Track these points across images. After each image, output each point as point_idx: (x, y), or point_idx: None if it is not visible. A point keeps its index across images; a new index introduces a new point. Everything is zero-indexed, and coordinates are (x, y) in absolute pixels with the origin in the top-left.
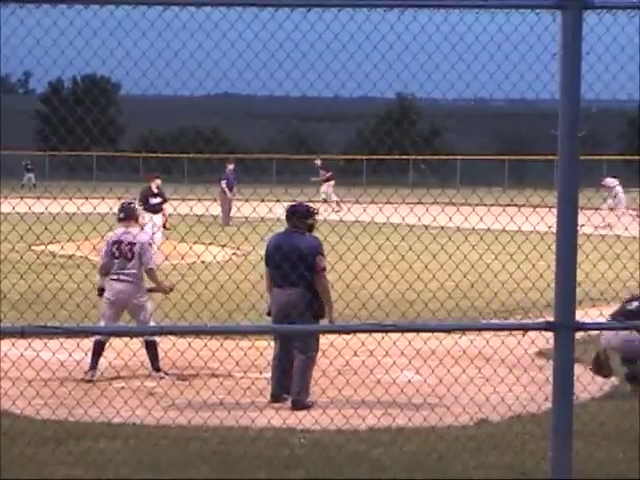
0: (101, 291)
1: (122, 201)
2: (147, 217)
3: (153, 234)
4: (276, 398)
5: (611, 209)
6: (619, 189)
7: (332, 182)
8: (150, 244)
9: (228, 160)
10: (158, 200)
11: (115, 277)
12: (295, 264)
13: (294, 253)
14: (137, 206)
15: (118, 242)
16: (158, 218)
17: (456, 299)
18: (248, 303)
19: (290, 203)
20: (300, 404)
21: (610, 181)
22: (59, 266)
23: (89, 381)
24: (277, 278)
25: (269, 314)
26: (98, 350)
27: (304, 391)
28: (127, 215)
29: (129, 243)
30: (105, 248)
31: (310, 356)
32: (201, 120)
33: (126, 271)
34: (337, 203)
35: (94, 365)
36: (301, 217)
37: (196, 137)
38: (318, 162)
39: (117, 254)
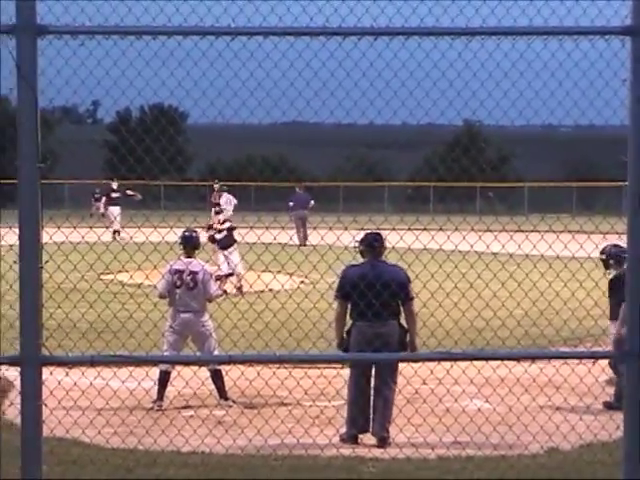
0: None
1: (184, 230)
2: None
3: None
4: (355, 439)
5: None
6: None
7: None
8: (211, 274)
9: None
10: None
11: (181, 308)
12: (390, 296)
13: (389, 285)
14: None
15: (180, 271)
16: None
17: (525, 327)
18: (316, 331)
19: (364, 232)
20: (387, 441)
21: None
22: (128, 295)
23: (158, 410)
24: (364, 312)
25: (346, 349)
26: (164, 380)
27: (389, 427)
28: (190, 244)
29: (191, 272)
30: (166, 276)
31: (394, 390)
32: (268, 148)
33: (190, 301)
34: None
35: (161, 396)
36: (383, 245)
37: (263, 165)
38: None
39: (178, 283)
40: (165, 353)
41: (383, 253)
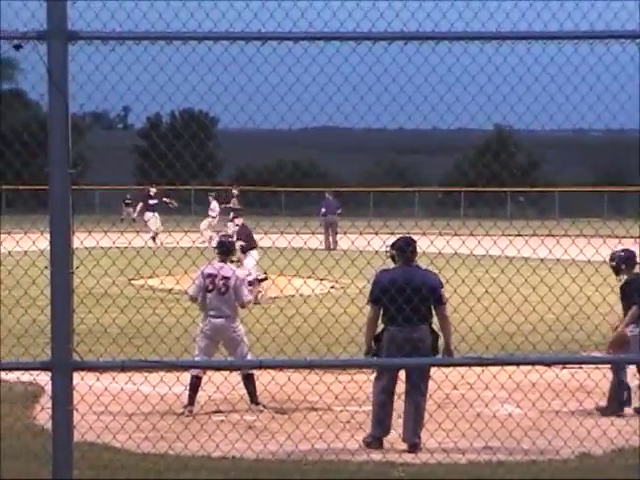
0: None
1: (221, 235)
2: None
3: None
4: (380, 443)
5: None
6: None
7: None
8: (243, 279)
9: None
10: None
11: (212, 312)
12: (422, 301)
13: (421, 289)
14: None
15: (212, 275)
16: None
17: (557, 332)
18: (347, 336)
19: (396, 237)
20: (419, 447)
21: None
22: (159, 300)
23: (188, 415)
24: (396, 316)
25: (375, 355)
26: (195, 385)
27: (420, 432)
28: (225, 250)
29: (224, 277)
30: (198, 280)
31: (425, 395)
32: (299, 153)
33: (222, 306)
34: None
35: (192, 401)
36: (415, 250)
37: (294, 170)
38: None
39: (210, 287)
40: (196, 358)
41: (415, 258)
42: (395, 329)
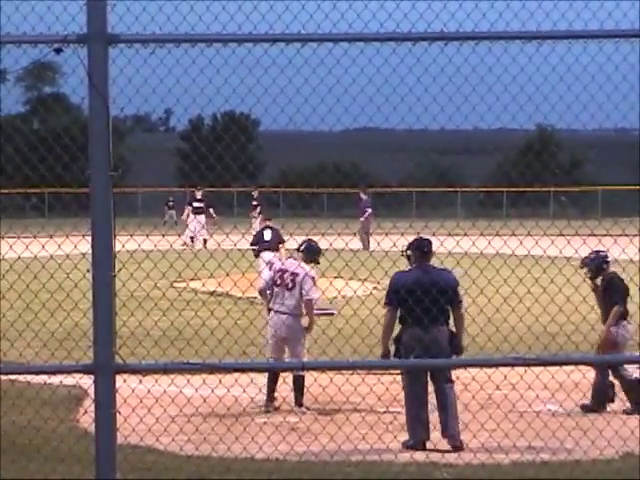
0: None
1: (308, 239)
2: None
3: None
4: (424, 445)
5: None
6: None
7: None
8: (313, 277)
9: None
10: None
11: (277, 308)
12: (439, 300)
13: (438, 289)
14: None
15: (283, 270)
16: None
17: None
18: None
19: (413, 238)
20: (458, 440)
21: None
22: (201, 302)
23: (267, 412)
24: (418, 317)
25: (397, 355)
26: (272, 380)
27: (458, 428)
28: (307, 253)
29: (292, 273)
30: (269, 273)
31: (452, 387)
32: (340, 154)
33: (286, 302)
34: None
35: (270, 397)
36: (431, 250)
37: (335, 171)
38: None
39: (278, 282)
40: (270, 359)
41: (430, 258)
42: (414, 329)
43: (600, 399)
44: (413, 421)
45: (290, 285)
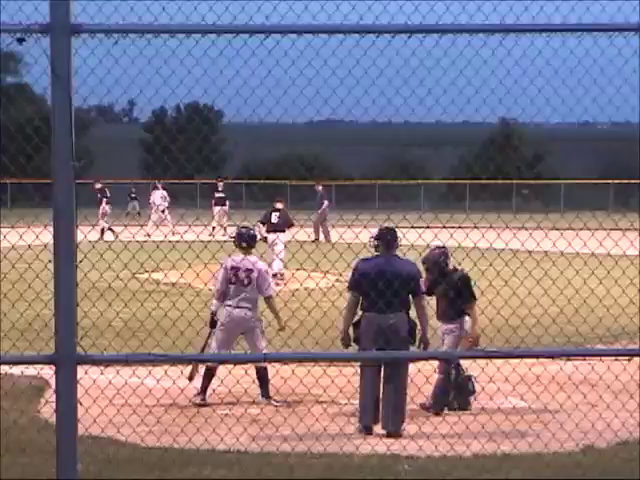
0: (213, 315)
1: (242, 228)
2: (272, 236)
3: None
4: (370, 430)
5: None
6: None
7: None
8: (267, 272)
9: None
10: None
11: (231, 303)
12: (400, 288)
13: (399, 277)
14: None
15: (236, 268)
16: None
17: (560, 324)
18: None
19: (380, 228)
20: (399, 434)
21: None
22: (163, 294)
23: (200, 405)
24: (376, 303)
25: (356, 341)
26: (209, 375)
27: (403, 419)
28: (249, 243)
29: (247, 269)
30: (222, 273)
31: (405, 383)
32: (303, 147)
33: (242, 298)
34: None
35: (204, 390)
36: (396, 240)
37: (298, 164)
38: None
39: (233, 279)
40: (214, 350)
41: (395, 247)
42: (373, 315)
43: (441, 399)
44: (360, 405)
45: (246, 282)
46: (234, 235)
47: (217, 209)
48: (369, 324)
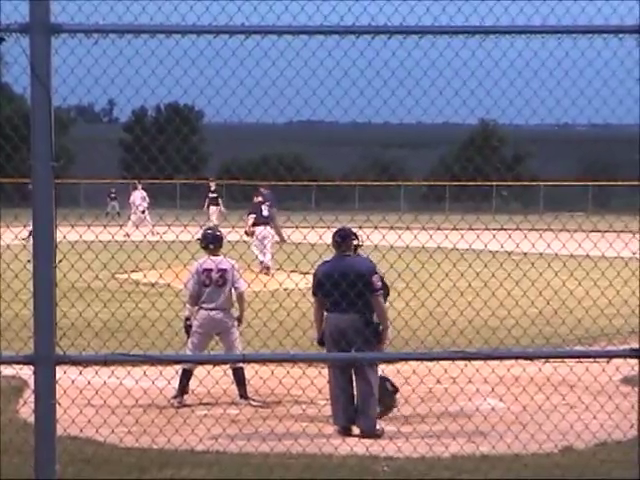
0: (187, 321)
1: (207, 230)
2: (261, 229)
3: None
4: (347, 430)
5: None
6: None
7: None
8: (236, 267)
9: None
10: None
11: (207, 306)
12: (353, 286)
13: (352, 275)
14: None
15: (208, 270)
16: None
17: (539, 326)
18: None
19: (335, 229)
20: (375, 433)
21: None
22: (142, 294)
23: (177, 406)
24: (334, 303)
25: (321, 343)
26: (186, 378)
27: (375, 419)
28: (215, 244)
29: (220, 270)
30: (194, 277)
31: (375, 382)
32: (283, 147)
33: (216, 299)
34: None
35: (181, 392)
36: (350, 240)
37: (278, 165)
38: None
39: (207, 282)
40: (188, 352)
41: (347, 247)
42: (331, 315)
43: (386, 401)
44: (333, 405)
45: (220, 282)
46: (199, 237)
47: (212, 209)
48: (328, 325)
